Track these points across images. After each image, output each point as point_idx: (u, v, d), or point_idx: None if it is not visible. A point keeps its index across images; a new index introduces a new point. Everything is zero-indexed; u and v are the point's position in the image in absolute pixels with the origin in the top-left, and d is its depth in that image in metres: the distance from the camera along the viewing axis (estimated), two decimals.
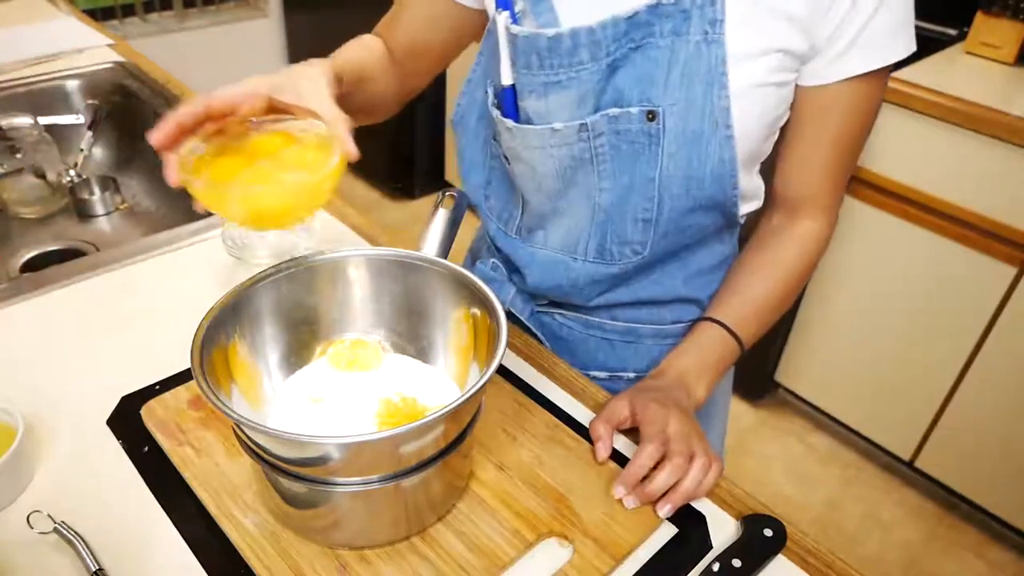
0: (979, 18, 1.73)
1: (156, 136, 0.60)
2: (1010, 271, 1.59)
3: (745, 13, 0.67)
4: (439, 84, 2.75)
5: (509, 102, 0.76)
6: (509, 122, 0.77)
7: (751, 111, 0.71)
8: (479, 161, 0.89)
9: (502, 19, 0.72)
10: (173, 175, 0.59)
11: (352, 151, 0.62)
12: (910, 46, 0.71)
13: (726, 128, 0.70)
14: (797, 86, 0.73)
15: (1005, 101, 1.54)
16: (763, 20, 0.68)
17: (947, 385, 1.77)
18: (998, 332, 1.65)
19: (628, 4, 0.68)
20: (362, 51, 0.83)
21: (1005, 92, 1.62)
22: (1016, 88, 1.64)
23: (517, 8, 0.73)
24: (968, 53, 1.76)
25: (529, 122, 0.76)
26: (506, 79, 0.75)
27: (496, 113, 0.78)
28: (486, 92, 0.81)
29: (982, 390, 1.72)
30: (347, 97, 0.74)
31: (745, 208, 0.83)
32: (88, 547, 0.61)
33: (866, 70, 0.70)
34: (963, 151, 1.57)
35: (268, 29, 3.16)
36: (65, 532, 0.62)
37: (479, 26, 0.85)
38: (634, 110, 0.70)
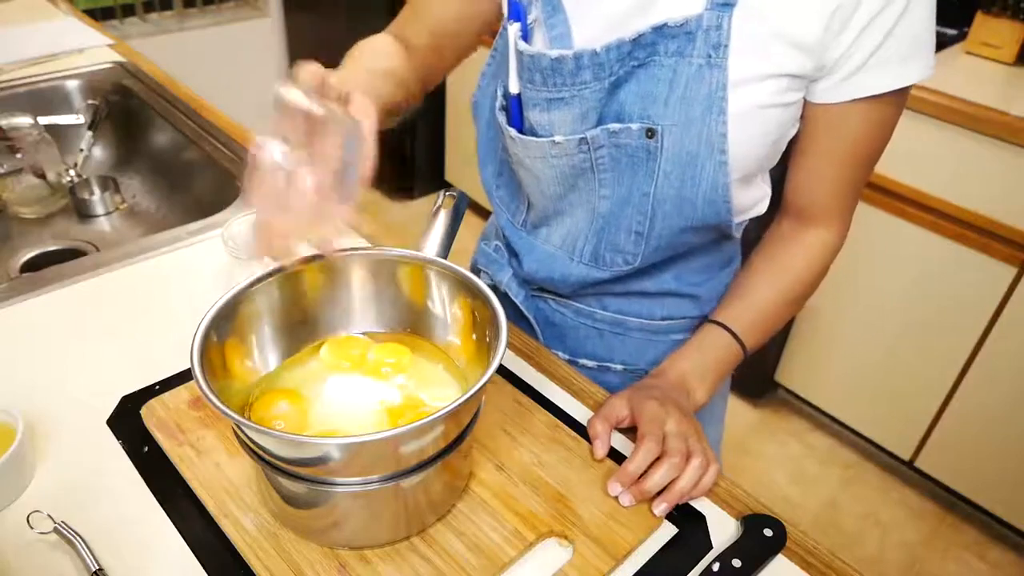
0: (979, 18, 1.73)
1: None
2: (1010, 271, 1.59)
3: (752, 39, 0.66)
4: (439, 84, 2.74)
5: (515, 110, 0.77)
6: (512, 131, 0.77)
7: (751, 132, 0.70)
8: (492, 153, 0.90)
9: (512, 31, 0.72)
10: None
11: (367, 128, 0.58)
12: (925, 71, 0.69)
13: (721, 153, 0.70)
14: (806, 101, 0.72)
15: (1005, 101, 1.54)
16: (770, 46, 0.67)
17: (947, 385, 1.77)
18: (998, 332, 1.65)
19: (638, 23, 0.68)
20: (387, 60, 0.77)
21: (1005, 92, 1.62)
22: (1016, 88, 1.64)
23: (530, 18, 0.73)
24: (968, 53, 1.76)
25: (533, 132, 0.77)
26: (513, 88, 0.75)
27: (502, 119, 0.78)
28: (496, 90, 0.81)
29: (982, 390, 1.72)
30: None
31: (744, 217, 0.82)
32: (88, 547, 0.61)
33: (875, 92, 0.69)
34: (963, 151, 1.57)
35: (268, 29, 3.16)
36: (65, 532, 0.62)
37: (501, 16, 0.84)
38: (634, 126, 0.70)
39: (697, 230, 0.77)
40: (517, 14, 0.72)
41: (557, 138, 0.74)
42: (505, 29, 0.80)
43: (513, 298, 0.92)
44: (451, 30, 0.84)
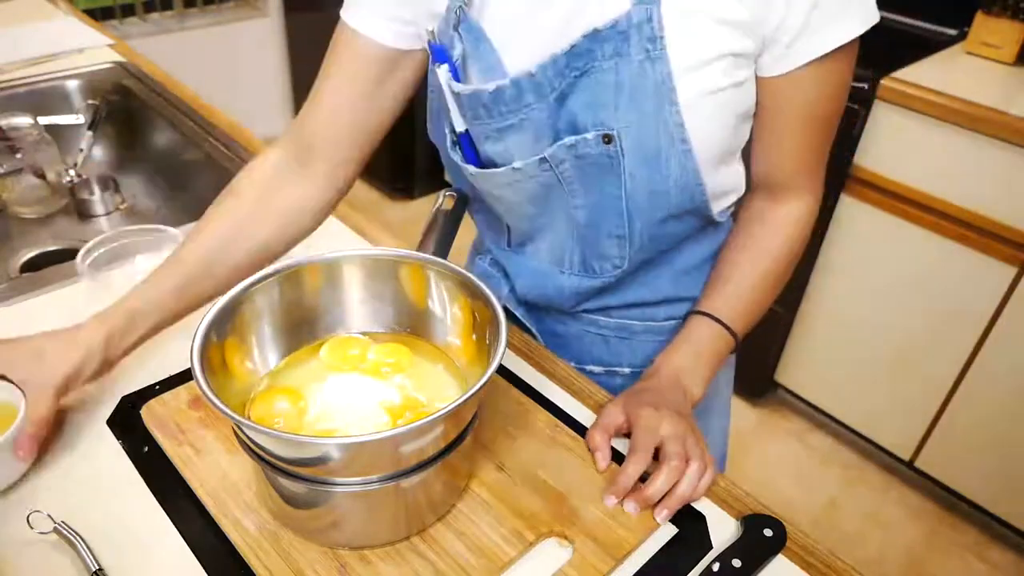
0: (979, 18, 1.73)
1: None
2: (1010, 271, 1.58)
3: (684, 26, 0.66)
4: None
5: (467, 147, 0.76)
6: (471, 168, 0.76)
7: (709, 117, 0.70)
8: (460, 180, 0.87)
9: (442, 74, 0.71)
10: None
11: (24, 454, 0.66)
12: (868, 19, 0.68)
13: (683, 143, 0.69)
14: (757, 77, 0.72)
15: (1005, 101, 1.54)
16: (704, 29, 0.66)
17: (947, 385, 1.77)
18: (998, 332, 1.65)
19: (566, 38, 0.67)
20: (223, 223, 0.78)
21: (1005, 92, 1.62)
22: (1016, 88, 1.64)
23: (455, 55, 0.71)
24: (968, 53, 1.76)
25: (492, 163, 0.75)
26: (459, 126, 0.74)
27: (457, 157, 0.77)
28: (443, 127, 0.78)
29: (982, 390, 1.72)
30: (177, 309, 0.75)
31: (726, 202, 0.82)
32: (88, 547, 0.61)
33: (820, 54, 0.68)
34: (963, 151, 1.57)
35: (268, 29, 3.16)
36: (65, 532, 0.62)
37: (421, 66, 0.80)
38: (590, 135, 0.69)
39: (677, 217, 0.77)
40: (441, 56, 0.71)
41: (517, 164, 0.73)
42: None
43: (514, 311, 0.92)
44: (359, 120, 0.80)
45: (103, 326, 0.71)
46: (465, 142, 0.75)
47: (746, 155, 0.80)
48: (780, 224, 0.81)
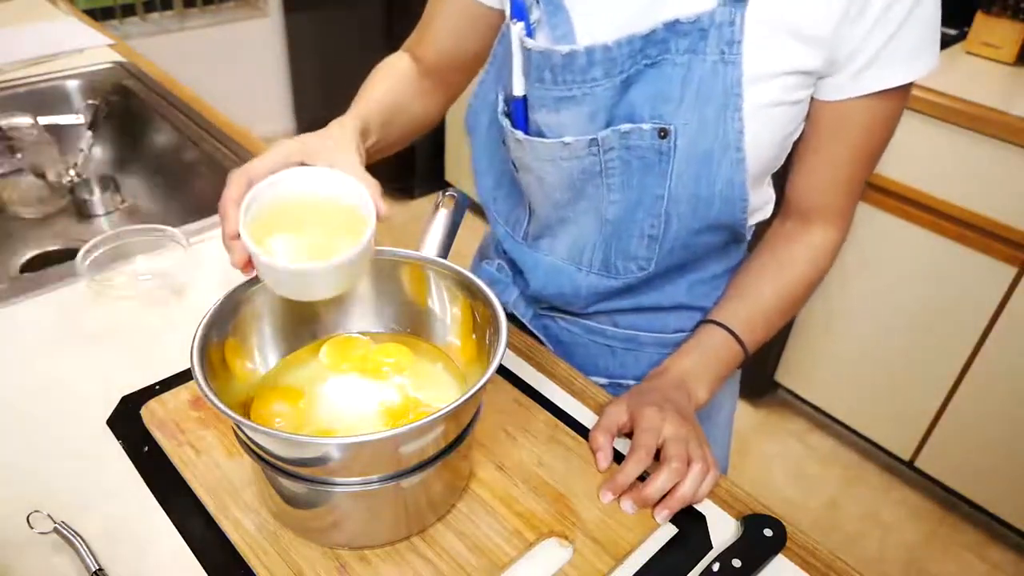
0: (979, 18, 1.73)
1: (226, 231, 0.61)
2: (1010, 271, 1.59)
3: (765, 34, 0.66)
4: None
5: (520, 113, 0.76)
6: (519, 134, 0.75)
7: (764, 130, 0.70)
8: (490, 163, 0.89)
9: (516, 30, 0.71)
10: (238, 259, 0.61)
11: (383, 210, 0.64)
12: (932, 63, 0.69)
13: (737, 151, 0.69)
14: (814, 99, 0.72)
15: (1005, 101, 1.54)
16: (783, 42, 0.66)
17: (947, 385, 1.77)
18: (998, 332, 1.65)
19: (646, 21, 0.67)
20: (392, 84, 0.85)
21: (1005, 92, 1.62)
22: (1016, 88, 1.64)
23: (533, 18, 0.72)
24: (968, 53, 1.76)
25: (540, 134, 0.75)
26: (518, 90, 0.74)
27: (506, 123, 0.77)
28: (497, 96, 0.80)
29: (982, 390, 1.72)
30: (380, 140, 0.79)
31: (752, 220, 0.82)
32: (88, 547, 0.61)
33: (886, 87, 0.68)
34: (963, 151, 1.57)
35: (268, 29, 3.16)
36: (65, 532, 0.62)
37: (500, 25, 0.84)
38: (646, 127, 0.69)
39: (713, 229, 0.77)
40: (520, 13, 0.71)
41: (567, 139, 0.72)
42: (504, 36, 0.79)
43: (521, 318, 0.91)
44: (454, 47, 0.86)
45: (349, 121, 0.73)
46: (519, 108, 0.75)
47: (777, 178, 0.80)
48: (809, 248, 0.81)
